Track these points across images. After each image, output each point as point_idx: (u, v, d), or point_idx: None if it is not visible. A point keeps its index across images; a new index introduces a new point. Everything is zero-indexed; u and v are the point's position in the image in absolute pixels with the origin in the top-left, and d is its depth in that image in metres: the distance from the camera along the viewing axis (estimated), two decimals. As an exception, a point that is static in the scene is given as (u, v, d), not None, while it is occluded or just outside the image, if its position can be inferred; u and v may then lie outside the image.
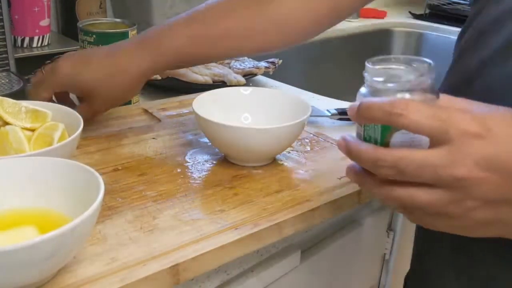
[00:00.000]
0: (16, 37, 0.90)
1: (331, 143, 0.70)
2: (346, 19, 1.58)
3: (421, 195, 0.36)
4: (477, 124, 0.34)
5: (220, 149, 0.63)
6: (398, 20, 1.64)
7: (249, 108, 0.68)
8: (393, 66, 0.39)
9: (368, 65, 0.40)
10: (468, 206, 0.35)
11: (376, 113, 0.36)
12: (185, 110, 0.78)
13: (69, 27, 1.01)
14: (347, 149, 0.39)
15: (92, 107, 0.65)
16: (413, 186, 0.36)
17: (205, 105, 0.64)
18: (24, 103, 0.58)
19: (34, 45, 0.91)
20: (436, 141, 0.35)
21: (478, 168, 0.34)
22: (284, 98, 0.68)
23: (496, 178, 0.34)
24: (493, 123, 0.35)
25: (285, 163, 0.64)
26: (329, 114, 0.79)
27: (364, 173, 0.39)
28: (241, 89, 0.70)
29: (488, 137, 0.34)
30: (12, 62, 0.80)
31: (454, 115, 0.35)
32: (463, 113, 0.35)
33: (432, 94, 0.39)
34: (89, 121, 0.65)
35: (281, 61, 0.99)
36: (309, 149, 0.68)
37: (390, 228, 0.82)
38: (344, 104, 0.87)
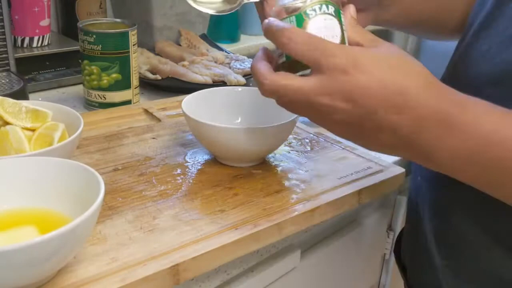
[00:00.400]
0: (16, 37, 0.90)
1: (331, 143, 0.70)
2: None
3: (297, 106, 0.44)
4: (347, 61, 0.40)
5: (209, 149, 0.63)
6: (398, 20, 1.64)
7: (240, 108, 0.68)
8: None
9: None
10: (332, 125, 0.43)
11: (270, 37, 0.43)
12: (185, 110, 0.78)
13: (69, 27, 1.01)
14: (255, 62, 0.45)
15: None
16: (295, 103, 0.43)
17: (195, 105, 0.64)
18: (25, 103, 0.58)
19: (34, 45, 0.91)
20: (312, 69, 0.42)
21: (338, 99, 0.40)
22: None
23: (350, 107, 0.40)
24: (363, 62, 0.40)
25: (285, 163, 0.64)
26: (329, 114, 0.79)
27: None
28: (231, 88, 0.70)
29: (352, 74, 0.40)
30: (12, 62, 0.81)
31: (329, 49, 0.41)
32: (340, 48, 0.41)
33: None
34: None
35: (281, 61, 0.99)
36: (309, 149, 0.68)
37: (390, 228, 0.82)
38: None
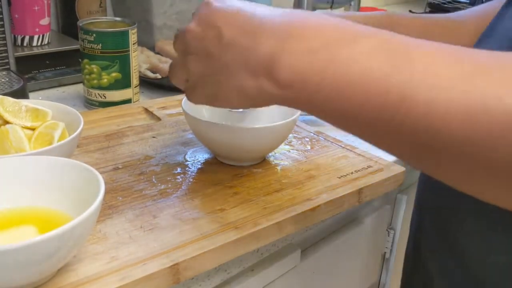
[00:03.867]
0: (16, 36, 0.90)
1: (332, 142, 0.70)
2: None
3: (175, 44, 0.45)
4: None
5: (209, 148, 0.63)
6: (398, 19, 1.64)
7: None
8: None
9: None
10: (187, 58, 0.43)
11: None
12: (185, 109, 0.78)
13: (69, 26, 1.01)
14: None
15: None
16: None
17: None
18: (24, 102, 0.58)
19: (34, 44, 0.91)
20: None
21: (195, 23, 0.42)
22: None
23: (201, 30, 0.41)
24: None
25: (286, 162, 0.64)
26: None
27: None
28: None
29: (212, 3, 0.41)
30: (12, 61, 0.80)
31: None
32: None
33: None
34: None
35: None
36: (309, 148, 0.68)
37: (391, 226, 0.82)
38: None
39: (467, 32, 0.62)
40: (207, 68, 0.42)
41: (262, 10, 0.40)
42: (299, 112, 0.62)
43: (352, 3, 1.56)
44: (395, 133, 0.33)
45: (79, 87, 0.86)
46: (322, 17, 0.38)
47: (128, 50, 0.78)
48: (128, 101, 0.80)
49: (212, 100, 0.44)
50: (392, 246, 0.82)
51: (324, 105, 0.36)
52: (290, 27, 0.37)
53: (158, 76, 0.90)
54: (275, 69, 0.37)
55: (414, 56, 0.32)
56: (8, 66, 0.80)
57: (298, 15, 0.38)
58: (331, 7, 1.44)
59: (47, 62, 0.90)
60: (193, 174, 0.60)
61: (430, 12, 1.67)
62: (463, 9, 1.66)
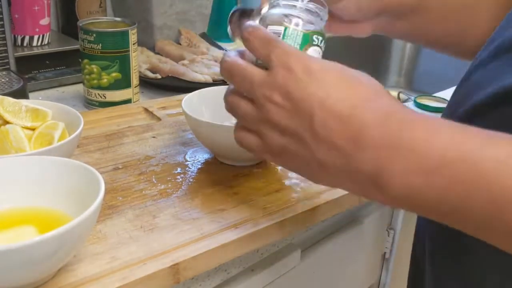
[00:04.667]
0: (16, 36, 0.90)
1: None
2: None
3: (241, 103, 0.42)
4: (296, 61, 0.39)
5: (209, 148, 0.63)
6: (398, 19, 1.64)
7: None
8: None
9: None
10: (265, 127, 0.40)
11: (241, 34, 0.43)
12: (185, 109, 0.78)
13: (69, 26, 1.01)
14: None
15: None
16: (239, 96, 0.42)
17: (195, 104, 0.64)
18: (25, 102, 0.58)
19: (34, 44, 0.91)
20: (265, 65, 0.41)
21: (280, 95, 0.38)
22: None
23: (289, 107, 0.38)
24: (312, 67, 0.38)
25: (285, 162, 0.64)
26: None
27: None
28: None
29: (296, 73, 0.38)
30: (12, 61, 0.80)
31: (283, 47, 0.40)
32: (295, 50, 0.40)
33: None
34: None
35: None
36: (309, 148, 0.68)
37: (391, 226, 0.82)
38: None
39: (486, 7, 0.60)
40: (291, 149, 0.39)
41: (354, 95, 0.37)
42: None
43: (352, 3, 1.55)
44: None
45: (79, 87, 0.86)
46: (432, 124, 0.35)
47: (128, 50, 0.78)
48: (128, 101, 0.80)
49: (301, 174, 0.42)
50: (392, 246, 0.82)
51: (438, 219, 0.35)
52: (397, 138, 0.34)
53: (158, 76, 0.90)
54: (384, 185, 0.35)
55: None
56: (8, 66, 0.80)
57: (402, 119, 0.35)
58: (331, 7, 1.44)
59: (47, 62, 0.90)
60: (193, 174, 0.60)
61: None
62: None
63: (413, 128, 0.35)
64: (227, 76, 0.43)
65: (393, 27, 0.59)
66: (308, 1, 0.46)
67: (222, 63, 0.43)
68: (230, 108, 0.44)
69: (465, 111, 0.42)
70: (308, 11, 0.46)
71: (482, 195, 0.32)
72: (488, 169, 0.31)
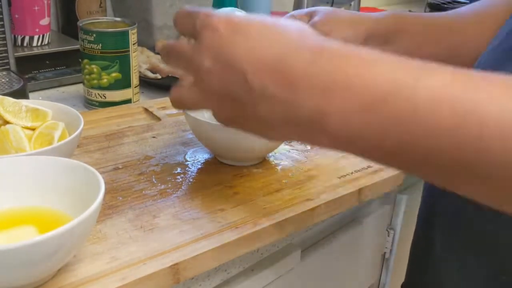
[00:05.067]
0: (16, 36, 0.90)
1: (331, 142, 0.70)
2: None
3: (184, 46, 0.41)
4: (219, 20, 0.37)
5: (209, 148, 0.63)
6: (398, 19, 1.64)
7: None
8: None
9: None
10: (207, 98, 0.39)
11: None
12: (185, 109, 0.78)
13: (69, 26, 1.01)
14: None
15: None
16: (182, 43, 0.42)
17: None
18: (25, 102, 0.58)
19: (34, 44, 0.91)
20: (192, 35, 0.40)
21: (209, 58, 0.37)
22: None
23: (220, 69, 0.36)
24: (237, 21, 0.37)
25: (286, 162, 0.64)
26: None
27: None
28: None
29: (223, 31, 0.37)
30: (12, 61, 0.80)
31: (205, 11, 0.39)
32: (214, 11, 0.39)
33: None
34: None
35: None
36: (309, 148, 0.68)
37: (391, 226, 0.82)
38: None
39: (472, 32, 0.62)
40: (236, 112, 0.38)
41: (288, 43, 0.35)
42: None
43: (352, 3, 1.56)
44: (471, 169, 0.30)
45: (79, 87, 0.86)
46: (366, 58, 0.34)
47: (128, 50, 0.78)
48: (128, 101, 0.80)
49: (254, 134, 0.41)
50: (392, 246, 0.82)
51: (383, 158, 0.34)
52: (330, 76, 0.33)
53: (158, 76, 0.90)
54: (325, 127, 0.34)
55: (479, 85, 0.30)
56: (8, 66, 0.80)
57: (334, 54, 0.34)
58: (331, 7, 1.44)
59: (47, 62, 0.90)
60: (193, 174, 0.60)
61: (430, 12, 1.67)
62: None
63: (346, 64, 0.33)
64: (165, 59, 0.43)
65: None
66: None
67: (161, 50, 0.43)
68: (175, 95, 0.43)
69: None
70: None
71: (418, 130, 0.30)
72: (422, 101, 0.30)
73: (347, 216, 0.72)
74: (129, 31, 0.77)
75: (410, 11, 1.70)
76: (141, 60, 0.93)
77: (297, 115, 0.35)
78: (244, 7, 1.30)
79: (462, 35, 0.62)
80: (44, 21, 0.92)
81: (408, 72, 0.32)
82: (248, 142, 0.58)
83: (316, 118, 0.34)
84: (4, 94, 0.58)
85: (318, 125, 0.34)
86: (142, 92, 0.87)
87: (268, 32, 0.36)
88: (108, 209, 0.51)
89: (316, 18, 0.61)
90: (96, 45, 0.75)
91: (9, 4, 0.88)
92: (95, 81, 0.78)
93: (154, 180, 0.58)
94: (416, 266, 0.60)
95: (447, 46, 0.62)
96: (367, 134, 0.33)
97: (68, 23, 1.02)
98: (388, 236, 0.82)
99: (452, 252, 0.51)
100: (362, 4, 1.61)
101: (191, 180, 0.58)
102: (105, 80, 0.77)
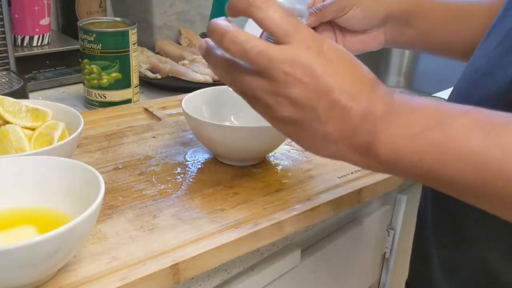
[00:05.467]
0: (16, 36, 0.90)
1: (331, 142, 0.70)
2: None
3: (251, 79, 0.41)
4: (315, 41, 0.40)
5: (209, 148, 0.63)
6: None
7: (239, 107, 0.68)
8: None
9: None
10: (279, 101, 0.40)
11: (239, 4, 0.41)
12: (185, 109, 0.78)
13: (69, 26, 1.01)
14: (213, 28, 0.43)
15: None
16: (248, 74, 0.41)
17: (195, 104, 0.64)
18: (25, 102, 0.58)
19: (34, 44, 0.91)
20: (280, 41, 0.40)
21: (299, 71, 0.39)
22: None
23: (308, 83, 0.39)
24: (330, 45, 0.41)
25: (286, 162, 0.64)
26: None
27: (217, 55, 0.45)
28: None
29: (317, 52, 0.40)
30: (12, 61, 0.81)
31: (302, 26, 0.41)
32: (310, 30, 0.41)
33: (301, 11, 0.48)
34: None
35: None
36: (309, 148, 0.68)
37: (391, 226, 0.82)
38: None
39: (481, 16, 0.63)
40: (301, 120, 0.41)
41: (368, 76, 0.41)
42: None
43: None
44: (495, 202, 0.37)
45: (79, 87, 0.86)
46: (416, 104, 0.40)
47: (128, 50, 0.78)
48: (128, 101, 0.80)
49: (303, 146, 0.44)
50: (392, 246, 0.82)
51: (421, 178, 0.39)
52: (393, 108, 0.40)
53: (158, 76, 0.90)
54: (372, 151, 0.40)
55: (503, 133, 0.36)
56: (8, 66, 0.80)
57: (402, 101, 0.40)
58: (331, 7, 1.44)
59: (47, 62, 0.90)
60: (193, 174, 0.60)
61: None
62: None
63: (409, 103, 0.40)
64: (235, 49, 0.41)
65: (402, 35, 0.63)
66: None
67: (223, 37, 0.41)
68: (238, 87, 0.43)
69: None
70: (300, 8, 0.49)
71: (450, 157, 0.37)
72: (456, 133, 0.37)
73: (347, 216, 0.72)
74: (129, 31, 0.77)
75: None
76: (141, 60, 0.93)
77: (356, 141, 0.40)
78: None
79: (469, 17, 0.64)
80: (44, 21, 0.92)
81: (451, 109, 0.39)
82: (248, 142, 0.58)
83: (370, 144, 0.40)
84: (4, 94, 0.59)
85: (370, 150, 0.40)
86: (142, 92, 0.87)
87: (354, 70, 0.41)
88: (108, 209, 0.51)
89: None
90: (96, 45, 0.75)
91: (9, 4, 0.88)
92: (95, 81, 0.78)
93: (154, 180, 0.58)
94: (418, 263, 0.61)
95: (455, 29, 0.64)
96: (407, 156, 0.39)
97: (68, 23, 1.02)
98: (388, 236, 0.82)
99: (453, 248, 0.53)
100: (362, 4, 1.61)
101: (191, 180, 0.58)
102: (105, 80, 0.77)
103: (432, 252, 0.55)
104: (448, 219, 0.53)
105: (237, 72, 0.42)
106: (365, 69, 0.42)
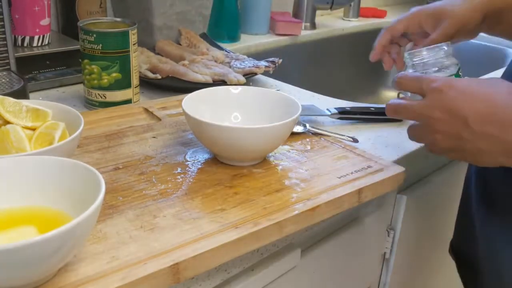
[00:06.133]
0: (16, 36, 0.90)
1: (331, 142, 0.70)
2: (346, 19, 1.59)
3: (411, 128, 0.61)
4: (442, 83, 0.55)
5: (209, 148, 0.63)
6: (398, 19, 1.64)
7: (239, 108, 0.68)
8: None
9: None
10: (435, 137, 0.56)
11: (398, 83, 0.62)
12: (185, 109, 0.78)
13: (69, 26, 1.01)
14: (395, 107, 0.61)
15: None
16: (414, 126, 0.61)
17: (195, 104, 0.64)
18: (25, 102, 0.58)
19: (35, 44, 0.91)
20: (420, 95, 0.58)
21: (437, 111, 0.55)
22: (274, 97, 0.68)
23: (448, 118, 0.54)
24: (456, 83, 0.55)
25: (286, 162, 0.64)
26: (329, 113, 0.79)
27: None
28: (231, 88, 0.70)
29: (446, 92, 0.54)
30: (12, 61, 0.81)
31: (429, 78, 0.57)
32: (437, 77, 0.57)
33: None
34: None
35: (281, 60, 1.00)
36: (309, 148, 0.68)
37: (391, 226, 0.82)
38: (344, 103, 0.88)
39: None
40: (457, 146, 0.54)
41: (498, 95, 0.52)
42: (299, 112, 0.62)
43: (352, 3, 1.56)
44: None
45: (80, 88, 0.86)
46: None
47: (128, 51, 0.78)
48: (128, 101, 0.80)
49: (467, 161, 0.58)
50: (392, 246, 0.82)
51: None
52: None
53: (158, 76, 0.90)
54: None
55: None
56: (8, 67, 0.80)
57: None
58: (331, 8, 1.45)
59: (48, 62, 0.90)
60: (193, 174, 0.60)
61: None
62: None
63: None
64: (393, 113, 0.61)
65: (493, 30, 0.75)
66: (441, 57, 0.67)
67: (388, 106, 0.61)
68: (411, 134, 0.61)
69: None
70: (447, 63, 0.68)
71: None
72: None
73: (347, 216, 0.72)
74: (129, 31, 0.77)
75: (410, 11, 1.70)
76: (141, 60, 0.93)
77: (506, 147, 0.51)
78: (244, 7, 1.30)
79: None
80: (45, 22, 0.92)
81: None
82: (248, 142, 0.58)
83: None
84: (4, 94, 0.59)
85: None
86: (142, 92, 0.87)
87: (480, 91, 0.53)
88: (108, 209, 0.52)
89: (433, 3, 0.76)
90: (96, 45, 0.76)
91: (10, 4, 0.88)
92: (95, 81, 0.78)
93: (154, 180, 0.58)
94: (463, 223, 0.74)
95: None
96: None
97: (68, 23, 1.02)
98: (388, 236, 0.82)
99: (497, 210, 0.65)
100: (362, 4, 1.61)
101: (191, 180, 0.58)
102: (105, 80, 0.78)
103: (474, 215, 0.67)
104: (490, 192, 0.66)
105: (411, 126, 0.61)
106: (496, 79, 0.55)
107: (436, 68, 0.67)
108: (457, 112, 0.53)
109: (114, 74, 0.78)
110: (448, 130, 0.54)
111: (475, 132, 0.52)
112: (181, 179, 0.58)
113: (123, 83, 0.79)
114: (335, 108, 0.79)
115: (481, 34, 0.76)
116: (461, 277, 0.76)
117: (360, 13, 1.60)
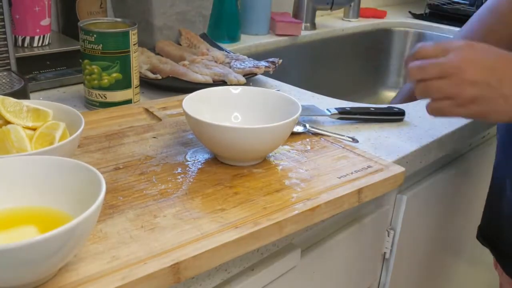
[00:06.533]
0: (17, 36, 0.90)
1: (332, 142, 0.70)
2: (346, 19, 1.59)
3: (433, 82, 0.62)
4: (465, 42, 0.62)
5: (209, 148, 0.63)
6: (398, 20, 1.65)
7: (239, 108, 0.69)
8: None
9: None
10: (461, 87, 0.59)
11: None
12: (185, 110, 0.78)
13: (69, 26, 1.01)
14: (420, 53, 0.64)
15: None
16: (430, 80, 0.62)
17: (196, 104, 0.64)
18: (25, 102, 0.58)
19: (35, 44, 0.91)
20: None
21: (467, 61, 0.60)
22: (274, 97, 0.68)
23: (477, 67, 0.59)
24: (475, 43, 0.62)
25: (286, 162, 0.64)
26: (329, 114, 0.79)
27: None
28: (231, 88, 0.71)
29: (471, 46, 0.61)
30: (13, 62, 0.81)
31: (452, 41, 0.63)
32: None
33: None
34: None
35: (281, 60, 1.00)
36: (309, 148, 0.68)
37: (391, 227, 0.82)
38: (344, 103, 0.88)
39: None
40: (483, 94, 0.59)
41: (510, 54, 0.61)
42: (299, 112, 0.62)
43: (352, 3, 1.56)
44: None
45: (80, 88, 0.86)
46: None
47: (129, 51, 0.78)
48: (128, 101, 0.80)
49: (485, 113, 0.61)
50: (392, 246, 0.82)
51: None
52: None
53: (159, 76, 0.90)
54: None
55: None
56: (9, 67, 0.80)
57: None
58: (331, 8, 1.45)
59: (48, 62, 0.90)
60: (194, 174, 0.60)
61: (430, 13, 1.67)
62: (463, 9, 1.66)
63: None
64: (418, 72, 0.62)
65: None
66: None
67: (412, 66, 0.63)
68: (424, 90, 0.63)
69: None
70: None
71: None
72: None
73: (347, 216, 0.72)
74: (130, 31, 0.77)
75: (409, 11, 1.70)
76: (141, 61, 0.93)
77: None
78: (244, 7, 1.30)
79: None
80: (45, 22, 0.92)
81: None
82: (248, 142, 0.59)
83: None
84: (5, 94, 0.59)
85: None
86: (143, 93, 0.87)
87: (495, 48, 0.62)
88: (108, 209, 0.52)
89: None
90: (96, 46, 0.76)
91: (10, 4, 0.88)
92: (96, 82, 0.78)
93: (154, 180, 0.58)
94: (491, 209, 0.81)
95: None
96: None
97: (68, 23, 1.02)
98: (388, 236, 0.82)
99: None
100: (362, 5, 1.62)
101: (191, 180, 0.59)
102: (105, 81, 0.78)
103: (503, 201, 0.73)
104: None
105: (426, 81, 0.62)
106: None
107: None
108: (484, 61, 0.59)
109: (114, 74, 0.78)
110: (477, 79, 0.58)
111: (502, 79, 0.58)
112: (181, 179, 0.58)
113: (124, 83, 0.79)
114: (335, 108, 0.80)
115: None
116: (499, 261, 0.84)
117: (360, 13, 1.60)
